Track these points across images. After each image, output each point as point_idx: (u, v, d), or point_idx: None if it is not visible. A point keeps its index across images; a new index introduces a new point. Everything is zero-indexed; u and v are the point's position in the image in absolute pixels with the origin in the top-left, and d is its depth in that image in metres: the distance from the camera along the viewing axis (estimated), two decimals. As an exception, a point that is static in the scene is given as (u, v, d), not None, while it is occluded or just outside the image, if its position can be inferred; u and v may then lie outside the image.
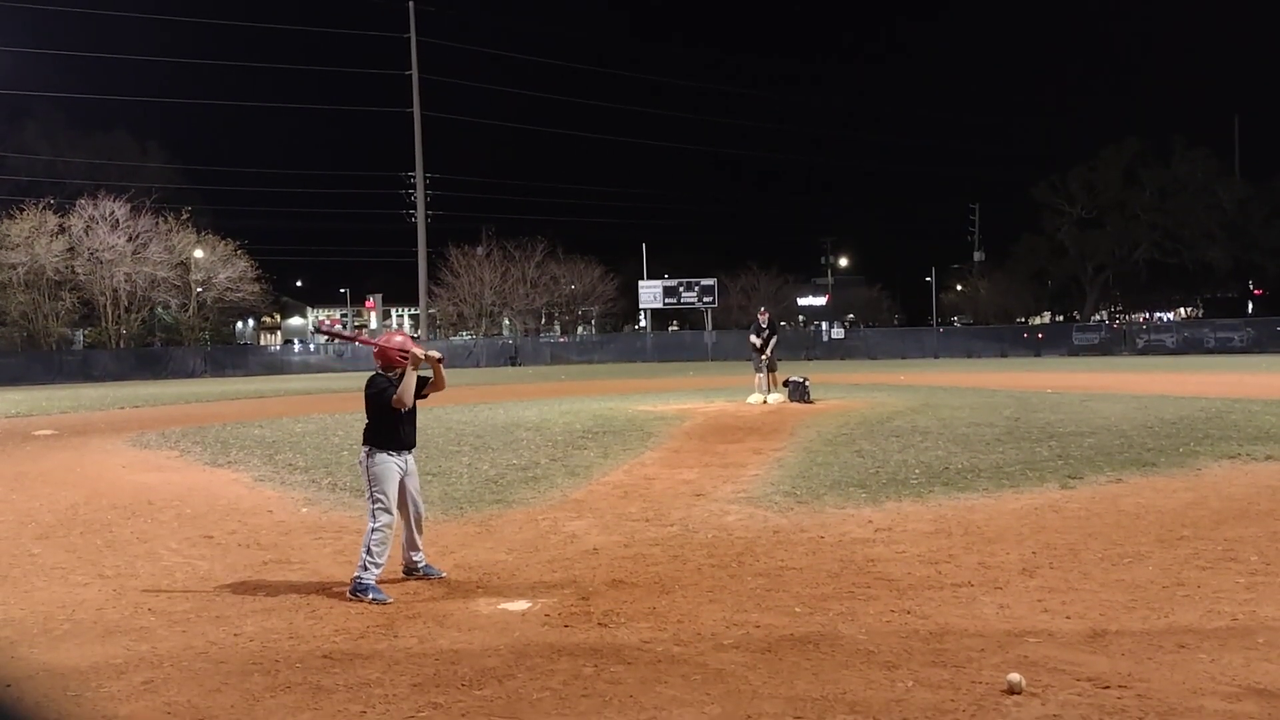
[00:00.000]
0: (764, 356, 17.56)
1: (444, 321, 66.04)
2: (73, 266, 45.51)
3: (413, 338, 6.14)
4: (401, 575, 5.79)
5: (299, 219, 77.67)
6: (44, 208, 44.63)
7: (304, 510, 8.18)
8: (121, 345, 47.60)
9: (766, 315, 18.33)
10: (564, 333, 65.88)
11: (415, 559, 5.83)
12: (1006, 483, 8.36)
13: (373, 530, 5.50)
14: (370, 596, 5.33)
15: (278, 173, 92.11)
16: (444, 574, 5.84)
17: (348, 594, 5.42)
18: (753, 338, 17.93)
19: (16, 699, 4.01)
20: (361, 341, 6.30)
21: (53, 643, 4.76)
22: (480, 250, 60.55)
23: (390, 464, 5.61)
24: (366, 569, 5.43)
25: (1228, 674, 3.91)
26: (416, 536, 5.82)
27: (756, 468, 9.67)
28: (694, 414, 15.52)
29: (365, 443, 5.67)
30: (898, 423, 13.23)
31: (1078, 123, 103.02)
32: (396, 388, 5.57)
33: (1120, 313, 70.32)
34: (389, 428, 5.64)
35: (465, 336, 61.91)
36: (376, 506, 5.57)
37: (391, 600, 5.33)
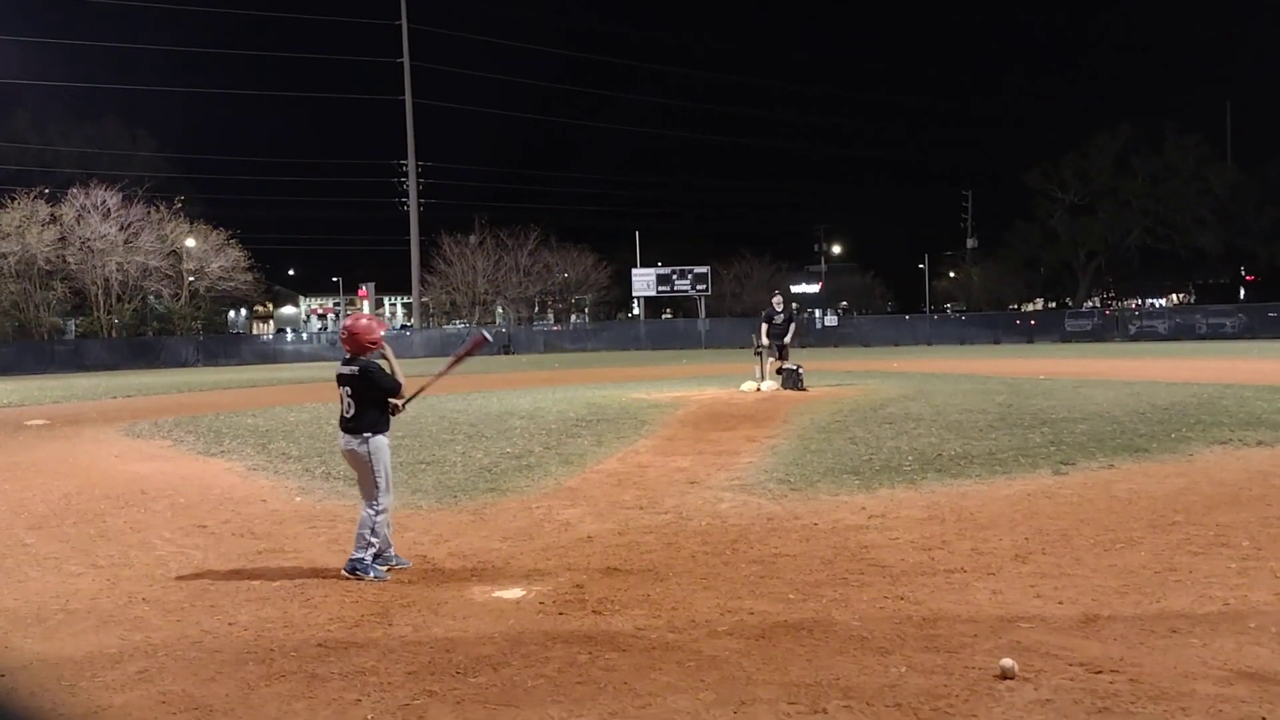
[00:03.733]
0: (764, 342, 17.40)
1: (437, 310, 65.94)
2: (64, 256, 45.30)
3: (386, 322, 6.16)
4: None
5: (291, 208, 77.57)
6: (35, 197, 44.44)
7: (298, 499, 8.17)
8: (114, 335, 47.45)
9: (781, 300, 17.93)
10: (557, 321, 65.88)
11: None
12: (999, 469, 8.38)
13: (378, 512, 5.56)
14: (371, 575, 5.41)
15: (270, 161, 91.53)
16: (409, 563, 5.82)
17: (343, 571, 5.44)
18: (764, 329, 17.38)
19: (11, 689, 4.00)
20: None
21: (47, 633, 4.75)
22: (473, 239, 60.42)
23: (387, 444, 5.67)
24: (368, 548, 5.48)
25: (1219, 658, 3.94)
26: None
27: (750, 455, 9.68)
28: (687, 402, 15.53)
29: (361, 430, 5.60)
30: (891, 409, 13.25)
31: (1070, 109, 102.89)
32: (388, 375, 5.60)
33: (1113, 299, 70.49)
34: (383, 410, 5.67)
35: (458, 325, 61.83)
36: (381, 489, 5.60)
37: (389, 578, 5.39)
